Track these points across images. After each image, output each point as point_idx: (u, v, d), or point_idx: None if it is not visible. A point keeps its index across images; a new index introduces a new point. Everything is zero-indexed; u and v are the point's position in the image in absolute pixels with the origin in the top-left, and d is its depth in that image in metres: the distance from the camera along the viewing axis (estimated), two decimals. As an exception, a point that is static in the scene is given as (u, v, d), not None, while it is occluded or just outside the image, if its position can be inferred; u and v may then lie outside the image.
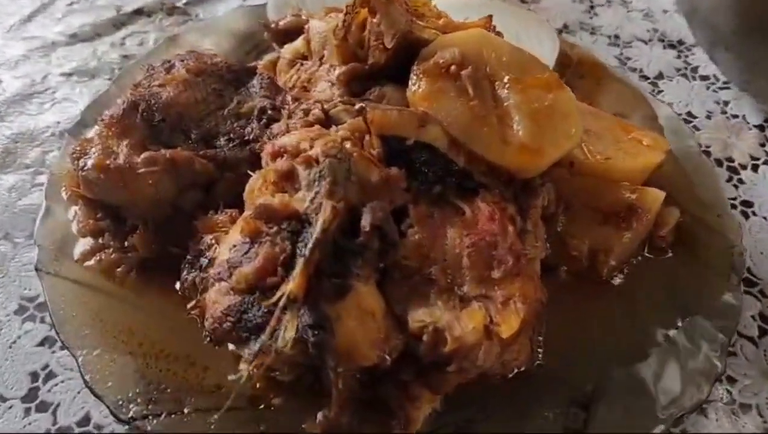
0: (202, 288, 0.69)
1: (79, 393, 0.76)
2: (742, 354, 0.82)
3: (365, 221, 0.62)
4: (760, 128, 1.15)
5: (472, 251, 0.66)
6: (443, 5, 0.89)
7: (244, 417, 0.68)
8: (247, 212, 0.69)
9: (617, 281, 0.84)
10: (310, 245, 0.59)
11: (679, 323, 0.79)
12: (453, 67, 0.75)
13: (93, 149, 0.80)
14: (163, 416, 0.67)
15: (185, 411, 0.68)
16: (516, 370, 0.71)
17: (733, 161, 1.09)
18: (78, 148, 0.81)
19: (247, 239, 0.65)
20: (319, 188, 0.64)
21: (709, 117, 1.17)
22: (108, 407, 0.68)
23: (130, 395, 0.69)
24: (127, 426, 0.67)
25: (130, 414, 0.67)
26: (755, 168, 1.08)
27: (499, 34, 0.85)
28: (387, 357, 0.61)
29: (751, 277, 0.90)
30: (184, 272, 0.73)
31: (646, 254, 0.87)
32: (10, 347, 0.81)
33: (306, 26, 0.95)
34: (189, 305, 0.70)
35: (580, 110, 0.81)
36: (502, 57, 0.77)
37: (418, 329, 0.62)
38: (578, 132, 0.75)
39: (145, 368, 0.71)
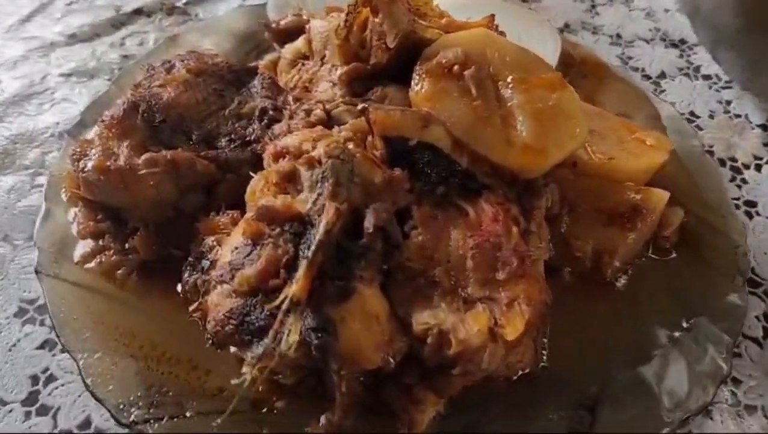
0: (204, 291, 0.69)
1: (79, 396, 0.75)
2: (747, 355, 0.82)
3: (368, 223, 0.62)
4: (763, 127, 1.15)
5: (476, 253, 0.66)
6: (444, 5, 0.88)
7: (246, 421, 0.67)
8: (248, 214, 0.68)
9: (621, 282, 0.83)
10: (313, 247, 0.59)
11: (684, 325, 0.78)
12: (456, 67, 0.75)
13: (93, 151, 0.79)
14: (164, 420, 0.67)
15: (187, 414, 0.67)
16: (520, 372, 0.70)
17: (736, 161, 1.09)
18: (78, 149, 0.81)
19: (249, 241, 0.65)
20: (321, 189, 0.64)
21: (711, 117, 1.17)
22: (109, 411, 0.67)
23: (132, 398, 0.68)
24: (128, 430, 0.67)
25: (132, 417, 0.66)
26: (758, 168, 1.08)
27: (501, 33, 0.84)
28: (391, 360, 0.61)
29: (755, 277, 0.90)
30: (186, 275, 0.73)
31: (650, 255, 0.86)
32: (10, 350, 0.80)
33: (307, 26, 0.94)
34: (191, 308, 0.69)
35: (584, 110, 0.80)
36: (506, 57, 0.76)
37: (422, 331, 0.62)
38: (582, 132, 0.74)
39: (147, 371, 0.71)
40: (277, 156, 0.71)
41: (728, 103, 1.19)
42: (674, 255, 0.86)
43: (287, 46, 0.99)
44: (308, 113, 0.80)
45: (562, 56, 1.10)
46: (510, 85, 0.75)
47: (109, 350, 0.72)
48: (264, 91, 0.87)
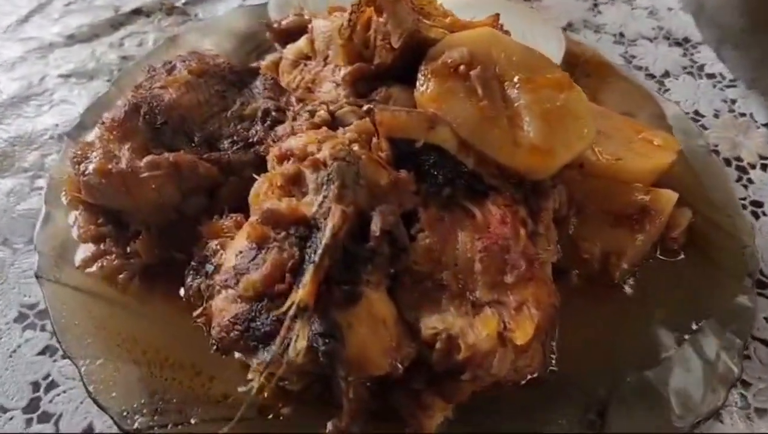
0: (208, 295, 0.68)
1: (81, 403, 0.74)
2: (756, 357, 0.81)
3: (375, 226, 0.61)
4: (768, 126, 1.14)
5: (484, 256, 0.65)
6: (448, 4, 0.87)
7: (252, 427, 0.66)
8: (253, 217, 0.67)
9: (629, 284, 0.83)
10: (319, 251, 0.58)
11: (693, 327, 0.78)
12: (462, 67, 0.74)
13: (94, 153, 0.78)
14: (169, 427, 0.66)
15: (192, 422, 0.66)
16: (529, 376, 0.69)
17: (741, 161, 1.08)
18: (79, 152, 0.80)
19: (254, 245, 0.64)
20: (327, 191, 0.63)
21: (716, 116, 1.16)
22: (112, 418, 0.66)
23: (135, 406, 0.67)
24: (131, 438, 0.66)
25: (135, 425, 0.65)
26: (764, 167, 1.07)
27: (506, 32, 0.84)
28: (399, 366, 0.60)
29: (763, 278, 0.89)
30: (189, 279, 0.72)
31: (658, 257, 0.85)
32: (11, 356, 0.79)
33: (309, 26, 0.93)
34: (195, 313, 0.68)
35: (591, 110, 0.79)
36: (512, 56, 0.76)
37: (430, 336, 0.61)
38: (590, 133, 0.74)
39: (150, 377, 0.70)
40: (282, 158, 0.70)
41: (733, 102, 1.19)
42: (682, 256, 0.85)
43: (289, 46, 0.98)
44: (312, 114, 0.79)
45: (566, 55, 1.09)
46: (516, 85, 0.74)
47: (111, 356, 0.71)
48: (266, 92, 0.86)
